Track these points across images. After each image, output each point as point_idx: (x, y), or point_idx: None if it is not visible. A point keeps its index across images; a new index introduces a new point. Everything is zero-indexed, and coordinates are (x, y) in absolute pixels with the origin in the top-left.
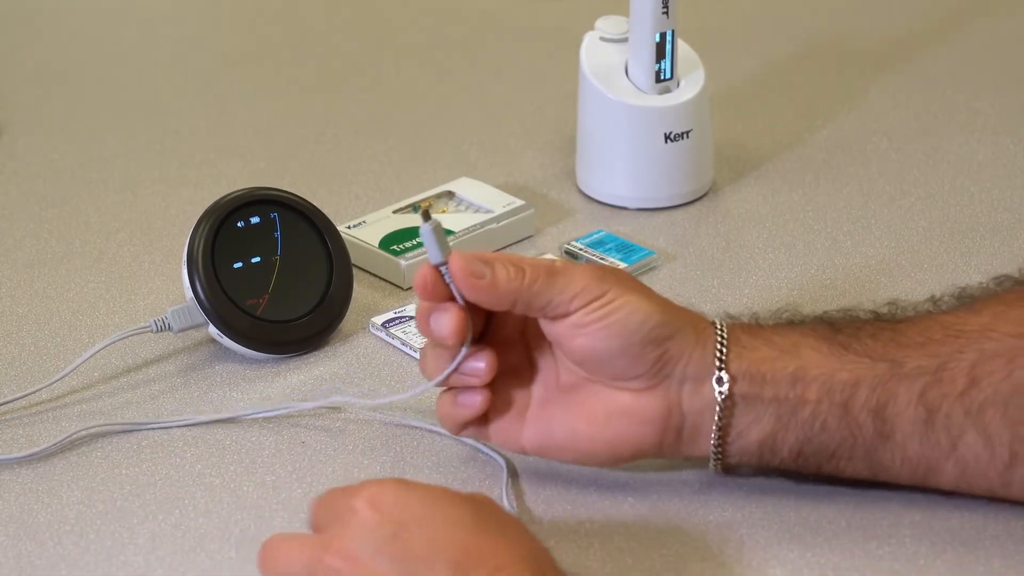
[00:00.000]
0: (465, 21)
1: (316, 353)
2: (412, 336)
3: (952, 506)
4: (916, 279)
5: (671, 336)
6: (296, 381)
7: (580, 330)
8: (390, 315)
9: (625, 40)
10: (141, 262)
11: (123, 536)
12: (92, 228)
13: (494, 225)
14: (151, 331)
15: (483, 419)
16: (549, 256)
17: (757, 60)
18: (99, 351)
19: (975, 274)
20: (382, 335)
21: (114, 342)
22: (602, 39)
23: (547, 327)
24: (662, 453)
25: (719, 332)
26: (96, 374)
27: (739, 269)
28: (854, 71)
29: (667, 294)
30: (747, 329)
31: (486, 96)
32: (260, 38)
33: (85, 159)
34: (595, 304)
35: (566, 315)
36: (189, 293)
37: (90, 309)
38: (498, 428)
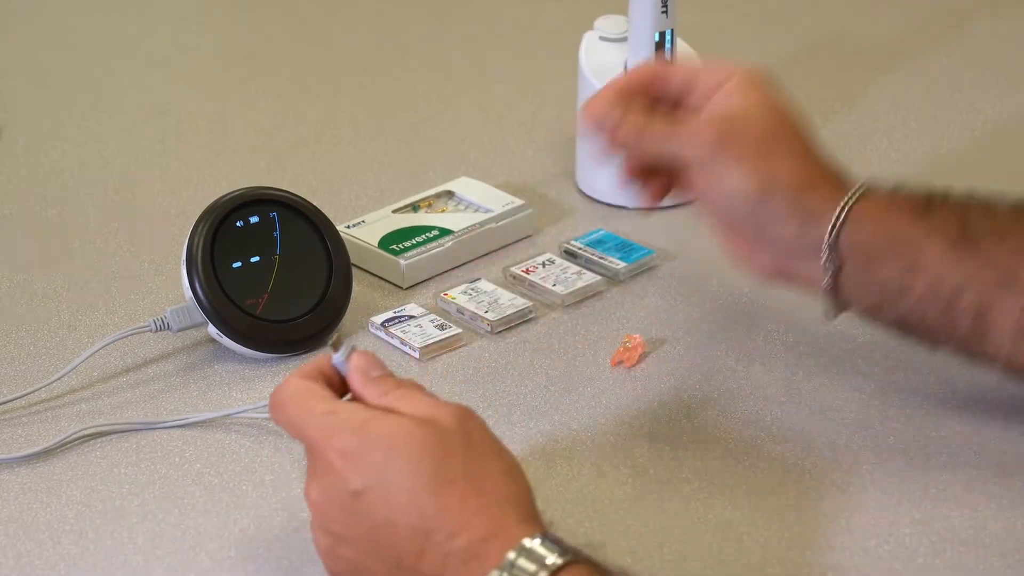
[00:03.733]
0: (465, 21)
1: (316, 353)
2: (411, 335)
3: (952, 505)
4: None
5: (768, 223)
6: None
7: (693, 181)
8: (389, 314)
9: (624, 40)
10: (141, 262)
11: (123, 536)
12: (92, 228)
13: (493, 224)
14: (150, 331)
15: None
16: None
17: (757, 60)
18: (98, 351)
19: None
20: (381, 335)
21: (113, 342)
22: (601, 39)
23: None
24: None
25: (835, 217)
26: (95, 374)
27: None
28: (854, 71)
29: (667, 294)
30: (872, 210)
31: (486, 96)
32: (260, 38)
33: (85, 159)
34: (705, 171)
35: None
36: (188, 293)
37: (90, 309)
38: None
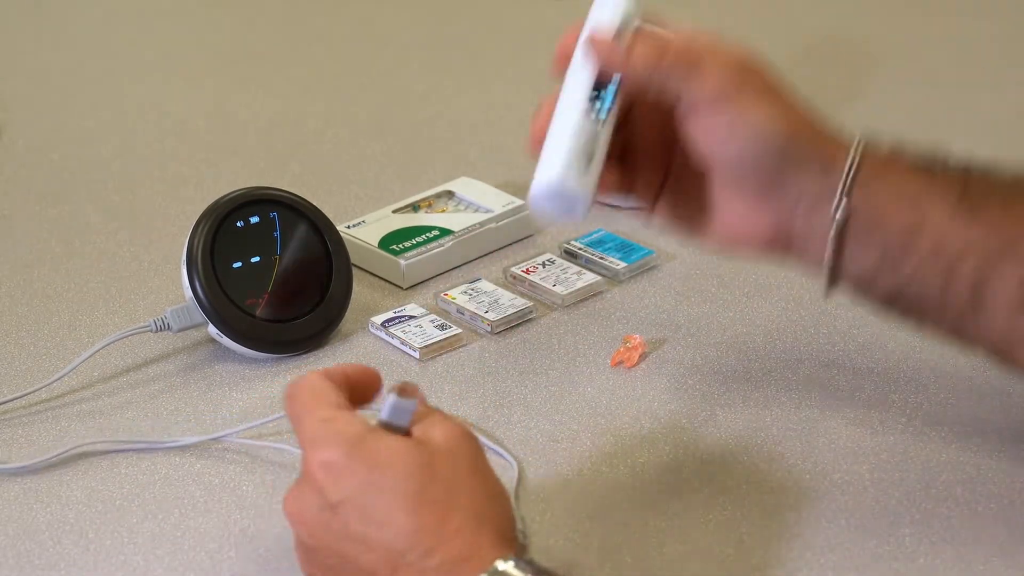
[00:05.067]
0: (465, 21)
1: (316, 353)
2: (412, 336)
3: (952, 505)
4: None
5: (792, 166)
6: None
7: (705, 127)
8: (389, 315)
9: None
10: (141, 262)
11: (123, 536)
12: (92, 228)
13: (493, 225)
14: (151, 331)
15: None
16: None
17: None
18: (99, 351)
19: None
20: (381, 335)
21: (114, 342)
22: None
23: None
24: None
25: (849, 162)
26: (96, 374)
27: (738, 268)
28: (854, 71)
29: (667, 294)
30: (877, 166)
31: (486, 96)
32: (260, 38)
33: (85, 159)
34: (724, 107)
35: (695, 110)
36: (188, 293)
37: (90, 309)
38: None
